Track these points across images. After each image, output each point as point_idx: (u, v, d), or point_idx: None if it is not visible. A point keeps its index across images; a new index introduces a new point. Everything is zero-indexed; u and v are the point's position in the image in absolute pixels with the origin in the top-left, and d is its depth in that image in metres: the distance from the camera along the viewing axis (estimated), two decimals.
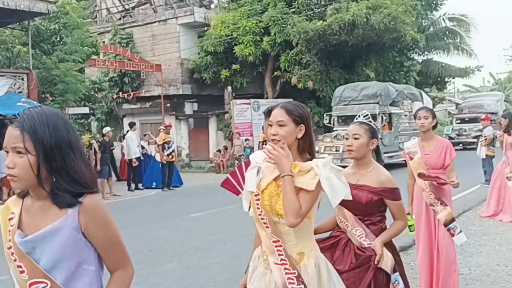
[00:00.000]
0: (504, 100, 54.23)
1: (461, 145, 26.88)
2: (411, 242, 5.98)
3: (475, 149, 23.44)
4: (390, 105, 18.17)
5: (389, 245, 2.89)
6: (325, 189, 2.18)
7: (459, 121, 29.10)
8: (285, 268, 2.26)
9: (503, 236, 7.00)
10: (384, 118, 17.36)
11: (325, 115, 19.29)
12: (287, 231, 2.25)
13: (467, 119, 28.19)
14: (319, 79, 20.71)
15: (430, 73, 27.84)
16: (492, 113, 26.44)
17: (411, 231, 4.54)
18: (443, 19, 29.14)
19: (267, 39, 20.74)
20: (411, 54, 25.95)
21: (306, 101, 22.13)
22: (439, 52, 29.03)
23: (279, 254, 2.27)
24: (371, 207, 2.89)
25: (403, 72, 24.68)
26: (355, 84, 19.27)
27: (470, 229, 7.50)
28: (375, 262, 2.77)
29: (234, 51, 21.06)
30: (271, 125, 2.34)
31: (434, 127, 4.54)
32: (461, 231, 4.47)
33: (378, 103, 17.45)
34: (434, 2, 26.18)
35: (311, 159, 2.30)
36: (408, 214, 4.53)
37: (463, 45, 29.18)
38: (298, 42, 19.92)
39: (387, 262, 2.81)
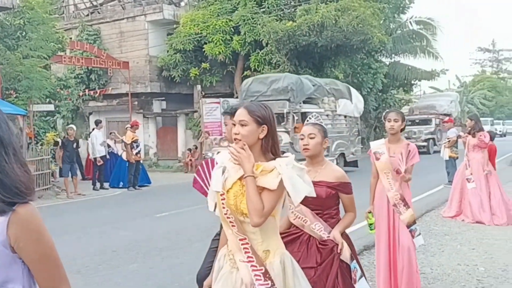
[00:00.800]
0: (468, 103, 55.95)
1: None
2: (374, 241, 6.04)
3: (426, 153, 23.96)
4: (306, 102, 15.61)
5: (345, 235, 3.15)
6: (287, 188, 2.23)
7: (409, 123, 26.76)
8: (252, 265, 2.29)
9: (464, 236, 7.16)
10: (296, 118, 14.59)
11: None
12: (253, 230, 2.29)
13: (417, 120, 26.77)
14: None
15: (397, 75, 28.35)
16: (445, 115, 25.69)
17: (371, 229, 4.61)
18: (410, 22, 29.71)
19: (237, 38, 20.70)
20: (379, 57, 26.37)
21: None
22: (406, 55, 29.58)
23: (245, 252, 2.31)
24: (330, 201, 3.13)
25: (370, 74, 25.04)
26: (264, 76, 16.96)
27: (432, 229, 7.65)
28: (338, 251, 3.00)
29: (203, 50, 20.94)
30: (234, 125, 2.41)
31: (402, 129, 4.61)
32: (420, 234, 4.53)
33: (288, 99, 14.89)
34: (402, 5, 26.67)
35: (274, 159, 2.33)
36: (370, 212, 4.60)
37: (429, 48, 29.82)
38: (268, 42, 19.96)
39: (345, 252, 3.02)
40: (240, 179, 2.33)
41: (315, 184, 2.97)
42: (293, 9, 21.04)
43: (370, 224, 4.59)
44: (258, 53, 20.84)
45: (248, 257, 2.31)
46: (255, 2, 20.90)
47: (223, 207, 2.34)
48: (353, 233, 7.05)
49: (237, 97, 21.88)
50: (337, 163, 13.35)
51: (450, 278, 5.27)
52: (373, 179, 4.71)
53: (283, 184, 2.24)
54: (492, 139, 9.02)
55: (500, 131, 44.15)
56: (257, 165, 2.30)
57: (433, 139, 26.21)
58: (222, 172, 2.38)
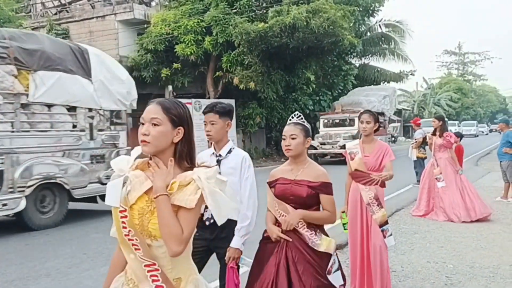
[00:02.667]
0: (435, 104, 57.15)
1: (328, 156, 21.25)
2: (347, 241, 6.12)
3: (343, 163, 22.85)
4: None
5: (324, 233, 3.16)
6: (209, 206, 1.89)
7: (328, 124, 22.34)
8: None
9: (433, 234, 7.32)
10: None
11: None
12: (162, 255, 1.92)
13: (337, 121, 22.01)
14: (261, 80, 20.85)
15: (366, 77, 28.80)
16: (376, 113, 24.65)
17: (345, 229, 4.67)
18: (379, 25, 30.25)
19: (209, 39, 20.64)
20: (349, 59, 26.75)
21: (248, 102, 22.26)
22: (376, 57, 30.06)
23: (153, 281, 1.91)
24: (311, 200, 3.12)
25: (341, 76, 25.37)
26: None
27: (402, 228, 7.79)
28: (285, 228, 3.05)
29: (175, 50, 20.80)
30: (143, 124, 1.99)
31: (376, 130, 4.70)
32: (391, 235, 4.58)
33: None
34: (371, 8, 27.08)
35: (191, 168, 1.97)
36: (343, 212, 4.66)
37: (398, 51, 30.38)
38: (240, 43, 19.97)
39: (331, 245, 3.09)
40: (147, 192, 1.93)
41: (297, 183, 3.11)
42: (264, 11, 21.13)
43: (344, 223, 4.64)
44: (230, 54, 20.82)
45: (157, 286, 1.92)
46: (226, 3, 20.89)
47: (124, 227, 1.92)
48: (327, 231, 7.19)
49: (209, 98, 21.83)
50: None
51: (420, 275, 5.38)
52: (348, 179, 4.77)
53: (202, 199, 1.89)
54: (460, 139, 9.26)
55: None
56: (172, 186, 1.91)
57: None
58: (122, 183, 1.96)
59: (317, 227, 3.13)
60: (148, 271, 1.92)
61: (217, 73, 21.76)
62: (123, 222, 1.92)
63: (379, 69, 29.71)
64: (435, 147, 8.65)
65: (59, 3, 24.88)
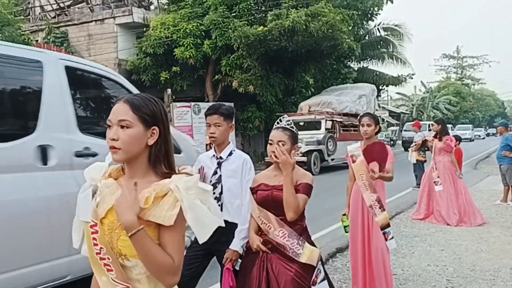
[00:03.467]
0: (434, 108, 57.20)
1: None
2: (348, 243, 6.12)
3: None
4: None
5: (309, 241, 3.00)
6: (189, 222, 1.62)
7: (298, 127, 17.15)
8: None
9: (433, 238, 7.31)
10: None
11: None
12: (137, 276, 1.66)
13: (301, 123, 17.93)
14: (260, 84, 20.87)
15: (365, 80, 28.81)
16: (349, 115, 20.40)
17: (346, 231, 4.64)
18: (378, 28, 30.33)
19: (208, 42, 20.67)
20: (348, 62, 26.81)
21: (247, 105, 22.27)
22: (374, 61, 30.12)
23: None
24: None
25: (340, 79, 25.40)
26: None
27: (402, 231, 7.78)
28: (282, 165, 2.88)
29: (174, 54, 20.82)
30: (109, 126, 1.73)
31: (377, 132, 4.66)
32: (392, 238, 4.54)
33: None
34: (370, 12, 27.15)
35: (169, 175, 1.70)
36: (344, 215, 4.64)
37: (396, 54, 30.44)
38: (239, 47, 19.99)
39: (313, 255, 2.91)
40: None
41: (277, 188, 2.95)
42: (264, 14, 21.17)
43: (345, 226, 4.62)
44: (229, 57, 20.84)
45: None
46: (226, 7, 20.93)
47: (95, 244, 1.66)
48: (327, 235, 7.18)
49: (208, 101, 21.84)
50: None
51: (421, 278, 5.36)
52: (349, 182, 4.74)
53: (183, 214, 1.62)
54: (459, 142, 9.26)
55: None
56: (147, 200, 1.63)
57: (320, 151, 17.69)
58: (92, 194, 1.72)
59: (300, 234, 2.96)
60: None
61: (216, 77, 21.77)
62: (93, 239, 1.66)
63: (377, 73, 29.77)
64: (435, 150, 8.66)
65: (58, 6, 24.90)
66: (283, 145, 2.93)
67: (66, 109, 4.00)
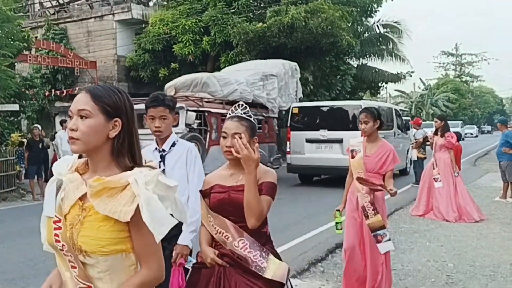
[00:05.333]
0: (433, 105, 57.20)
1: None
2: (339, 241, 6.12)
3: None
4: None
5: (274, 252, 2.57)
6: (145, 219, 1.51)
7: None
8: None
9: (432, 234, 7.32)
10: None
11: None
12: (98, 275, 1.59)
13: None
14: None
15: (364, 77, 28.78)
16: (249, 104, 10.84)
17: (337, 228, 4.47)
18: (377, 25, 30.24)
19: (207, 38, 20.62)
20: (347, 59, 26.71)
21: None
22: (374, 58, 30.07)
23: None
24: None
25: (339, 76, 25.37)
26: None
27: (402, 227, 7.79)
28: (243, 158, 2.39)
29: (173, 50, 20.77)
30: (70, 117, 1.65)
31: (379, 128, 4.41)
32: (389, 239, 4.35)
33: None
34: (369, 8, 27.07)
35: (131, 169, 1.61)
36: (338, 210, 4.47)
37: (396, 51, 30.39)
38: (238, 43, 19.95)
39: (280, 269, 2.48)
40: (81, 199, 1.61)
41: (235, 189, 2.49)
42: (263, 11, 21.12)
43: (337, 223, 4.45)
44: (228, 54, 20.79)
45: None
46: (225, 3, 20.88)
47: (57, 241, 1.60)
48: (326, 231, 7.16)
49: None
50: None
51: (421, 274, 5.37)
52: (349, 177, 4.56)
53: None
54: (458, 140, 9.26)
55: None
56: (97, 178, 1.56)
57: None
58: (56, 189, 1.67)
59: (263, 245, 2.50)
60: None
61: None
62: (55, 235, 1.60)
63: (377, 70, 29.68)
64: (435, 147, 8.66)
65: (57, 3, 24.84)
66: (239, 138, 2.43)
67: None
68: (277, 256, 2.54)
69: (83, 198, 1.60)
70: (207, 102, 12.41)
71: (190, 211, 2.96)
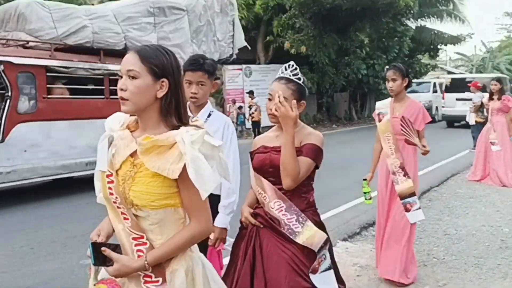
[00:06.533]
0: (494, 68, 54.57)
1: None
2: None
3: None
4: None
5: (315, 218, 2.47)
6: (190, 175, 1.56)
7: None
8: (145, 275, 1.66)
9: (488, 199, 7.19)
10: None
11: None
12: (150, 227, 1.66)
13: None
14: (313, 44, 20.57)
15: (423, 40, 27.76)
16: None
17: (366, 199, 4.23)
18: None
19: (260, 2, 20.45)
20: (405, 21, 25.79)
21: (299, 67, 22.04)
22: (432, 19, 28.88)
23: (138, 256, 1.65)
24: None
25: (396, 39, 24.61)
26: None
27: (457, 192, 7.69)
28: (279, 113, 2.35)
29: None
30: (121, 77, 1.70)
31: (407, 86, 4.10)
32: (419, 208, 4.03)
33: None
34: None
35: (178, 128, 1.65)
36: (365, 180, 4.22)
37: (455, 12, 29.04)
38: (291, 6, 19.70)
39: (314, 238, 2.38)
40: (132, 155, 1.67)
41: (277, 149, 2.43)
42: None
43: (365, 192, 4.18)
44: (281, 17, 20.58)
45: None
46: None
47: (111, 194, 1.68)
48: (357, 206, 6.77)
49: (259, 63, 21.81)
50: None
51: (474, 238, 5.34)
52: (376, 143, 4.26)
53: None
54: None
55: None
56: (146, 137, 1.61)
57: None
58: (108, 145, 1.73)
59: (302, 210, 2.41)
60: (136, 245, 1.66)
61: (268, 38, 21.61)
62: (109, 188, 1.68)
63: (436, 31, 28.50)
64: (492, 111, 8.41)
65: None
66: (278, 96, 2.37)
67: None
68: (319, 224, 2.45)
69: (133, 154, 1.66)
70: (19, 47, 8.00)
71: (226, 191, 2.80)
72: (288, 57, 21.23)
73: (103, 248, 1.65)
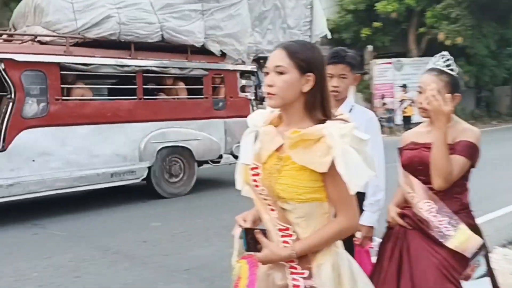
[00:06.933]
0: None
1: None
2: None
3: None
4: None
5: (469, 221, 2.29)
6: (339, 169, 1.55)
7: None
8: (291, 267, 1.69)
9: None
10: None
11: None
12: (296, 220, 1.68)
13: None
14: (470, 35, 19.23)
15: None
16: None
17: None
18: None
19: None
20: None
21: (455, 59, 20.62)
22: None
23: (285, 247, 1.70)
24: None
25: None
26: None
27: None
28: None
29: (375, 9, 20.28)
30: (267, 73, 1.73)
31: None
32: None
33: None
34: None
35: (324, 122, 1.65)
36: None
37: None
38: None
39: (468, 242, 2.20)
40: (278, 150, 1.70)
41: (428, 146, 2.27)
42: None
43: None
44: (435, 7, 19.50)
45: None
46: None
47: (257, 186, 1.74)
48: (499, 218, 6.02)
49: (411, 56, 20.92)
50: None
51: None
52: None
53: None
54: None
55: None
56: (295, 131, 1.63)
57: None
58: (254, 139, 1.79)
59: (455, 212, 2.25)
60: (282, 236, 1.69)
61: (420, 30, 20.65)
62: (254, 180, 1.73)
63: None
64: None
65: None
66: (431, 89, 2.23)
67: None
68: (474, 228, 2.26)
69: (279, 148, 1.69)
70: (36, 42, 7.13)
71: (373, 188, 2.71)
72: (442, 49, 19.53)
73: (256, 230, 1.72)
